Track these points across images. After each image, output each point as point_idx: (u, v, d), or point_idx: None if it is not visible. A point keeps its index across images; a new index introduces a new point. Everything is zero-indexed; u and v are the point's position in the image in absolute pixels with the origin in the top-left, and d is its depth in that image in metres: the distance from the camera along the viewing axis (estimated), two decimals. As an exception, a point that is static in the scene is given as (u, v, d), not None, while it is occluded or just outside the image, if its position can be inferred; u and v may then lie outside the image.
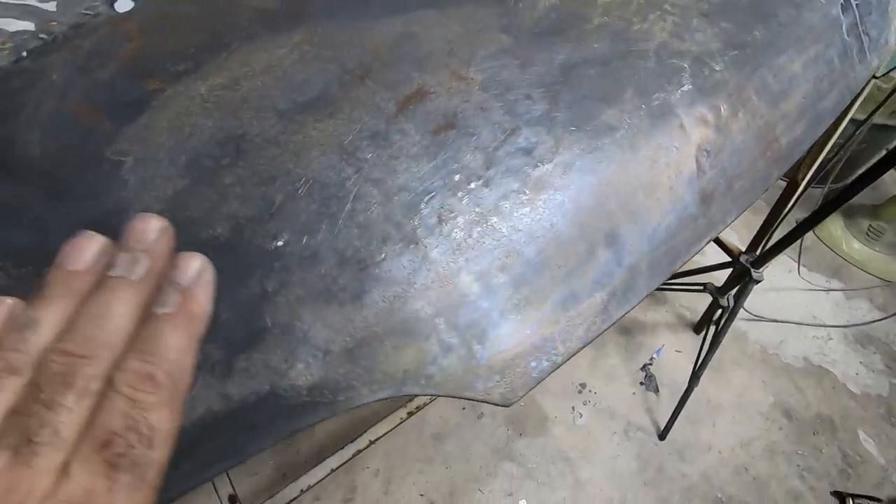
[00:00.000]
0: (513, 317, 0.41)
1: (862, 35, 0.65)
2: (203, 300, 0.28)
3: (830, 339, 2.13)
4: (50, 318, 0.26)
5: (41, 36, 0.46)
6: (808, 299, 2.22)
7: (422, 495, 1.67)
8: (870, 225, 2.31)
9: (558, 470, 1.77)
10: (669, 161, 0.48)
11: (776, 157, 0.56)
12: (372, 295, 0.37)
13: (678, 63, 0.52)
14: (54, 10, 0.48)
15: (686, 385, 1.68)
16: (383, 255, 0.38)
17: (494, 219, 0.42)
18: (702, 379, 1.62)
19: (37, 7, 0.48)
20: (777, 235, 1.37)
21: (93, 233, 0.27)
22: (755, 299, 1.43)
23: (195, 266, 0.28)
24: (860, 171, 1.17)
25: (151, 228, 0.28)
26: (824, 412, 1.95)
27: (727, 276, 1.52)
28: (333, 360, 0.35)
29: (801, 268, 2.22)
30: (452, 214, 0.41)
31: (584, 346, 0.45)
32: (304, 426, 0.35)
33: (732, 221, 0.54)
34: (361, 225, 0.39)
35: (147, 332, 0.26)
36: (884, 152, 2.10)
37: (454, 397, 0.39)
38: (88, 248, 0.27)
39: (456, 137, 0.44)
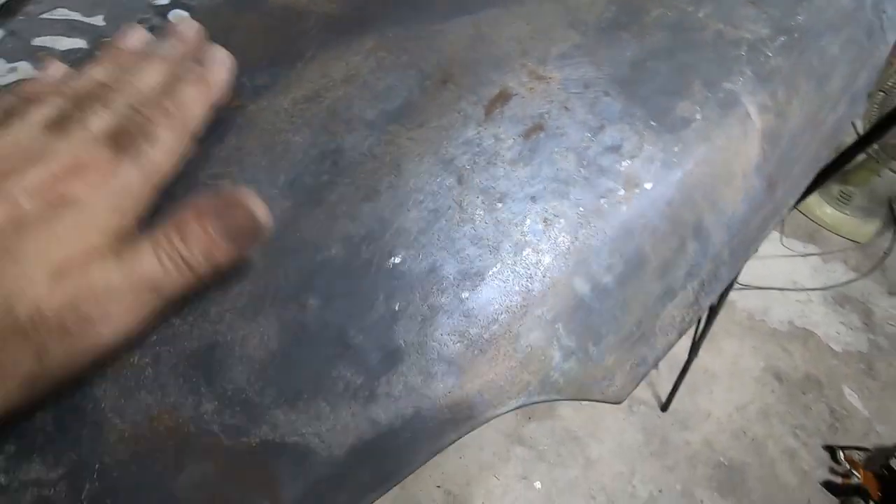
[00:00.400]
0: (620, 315, 0.41)
1: (881, 12, 0.67)
2: (219, 72, 0.38)
3: (811, 301, 2.23)
4: (94, 73, 0.34)
5: (97, 54, 0.43)
6: (788, 265, 2.32)
7: (438, 486, 1.69)
8: (840, 190, 2.41)
9: (568, 450, 1.80)
10: (740, 149, 0.49)
11: (824, 139, 0.58)
12: (495, 305, 0.37)
13: (736, 52, 0.53)
14: (103, 24, 0.45)
15: (685, 357, 1.73)
16: (498, 265, 0.38)
17: (596, 219, 0.42)
18: (699, 350, 1.67)
19: (83, 22, 0.45)
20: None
21: (138, 25, 0.39)
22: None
23: (219, 53, 0.38)
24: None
25: (188, 26, 0.39)
26: (811, 372, 2.04)
27: (723, 250, 1.56)
28: (468, 374, 0.35)
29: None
30: (557, 217, 0.41)
31: (679, 338, 0.46)
32: (446, 444, 0.34)
33: (792, 205, 0.56)
34: (472, 235, 0.39)
35: (169, 84, 0.34)
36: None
37: (574, 400, 0.40)
38: (135, 33, 0.38)
39: (546, 139, 0.44)
